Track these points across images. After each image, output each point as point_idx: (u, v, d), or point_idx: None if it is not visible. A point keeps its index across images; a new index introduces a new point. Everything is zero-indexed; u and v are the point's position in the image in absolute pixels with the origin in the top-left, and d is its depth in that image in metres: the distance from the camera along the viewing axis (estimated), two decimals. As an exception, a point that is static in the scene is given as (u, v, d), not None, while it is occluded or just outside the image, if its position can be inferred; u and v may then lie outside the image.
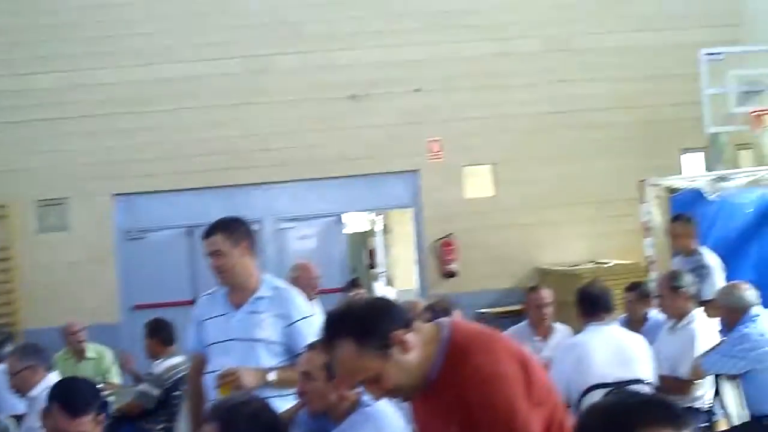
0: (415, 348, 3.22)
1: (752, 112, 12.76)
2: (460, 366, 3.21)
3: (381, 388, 3.23)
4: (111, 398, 8.98)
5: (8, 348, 8.34)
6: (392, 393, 3.31)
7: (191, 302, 14.68)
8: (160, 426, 8.29)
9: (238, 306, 5.26)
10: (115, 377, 9.64)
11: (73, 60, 15.24)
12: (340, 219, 16.15)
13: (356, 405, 4.45)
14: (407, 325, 3.24)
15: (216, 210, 14.35)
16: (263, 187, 15.58)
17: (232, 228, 5.27)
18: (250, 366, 5.07)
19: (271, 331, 5.18)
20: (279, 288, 5.35)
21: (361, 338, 3.16)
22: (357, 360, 3.17)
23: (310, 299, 8.37)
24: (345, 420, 4.41)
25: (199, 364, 5.45)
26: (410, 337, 3.22)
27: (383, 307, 3.31)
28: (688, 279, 7.19)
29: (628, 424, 2.27)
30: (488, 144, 15.72)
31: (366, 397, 4.49)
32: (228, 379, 4.96)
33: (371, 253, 22.80)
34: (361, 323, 3.19)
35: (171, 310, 12.46)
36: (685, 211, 10.51)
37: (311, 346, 4.62)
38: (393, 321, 3.21)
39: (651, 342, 7.15)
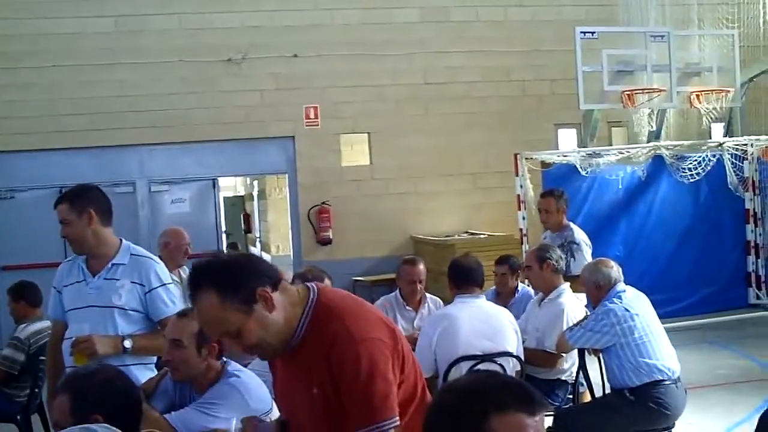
0: (279, 307, 3.19)
1: (625, 91, 13.02)
2: (326, 327, 3.20)
3: (242, 343, 3.18)
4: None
5: None
6: (253, 350, 3.24)
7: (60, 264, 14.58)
8: (25, 392, 8.12)
9: (95, 273, 5.19)
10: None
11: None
12: (214, 183, 16.00)
13: (221, 375, 4.42)
14: (274, 284, 3.19)
15: (88, 170, 14.22)
16: (136, 149, 15.35)
17: (79, 197, 5.17)
18: (105, 333, 5.01)
19: (128, 297, 5.12)
20: (137, 255, 5.26)
21: (224, 290, 3.10)
22: (219, 312, 3.11)
23: (181, 265, 8.29)
24: (209, 390, 4.37)
25: (59, 331, 5.36)
26: (276, 296, 3.18)
27: (250, 262, 3.26)
28: (556, 253, 7.31)
29: (483, 407, 2.25)
30: (365, 113, 15.78)
31: (231, 368, 4.46)
32: (81, 346, 4.92)
33: (247, 218, 22.69)
34: (226, 275, 3.13)
35: (41, 271, 12.22)
36: (559, 185, 10.69)
37: (181, 314, 4.60)
38: (259, 277, 3.16)
39: (521, 314, 7.27)
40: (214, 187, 15.99)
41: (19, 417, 8.18)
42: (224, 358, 4.55)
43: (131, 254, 5.21)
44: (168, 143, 15.36)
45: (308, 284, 3.37)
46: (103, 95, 15.06)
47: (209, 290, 3.10)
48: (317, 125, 15.69)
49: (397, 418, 3.18)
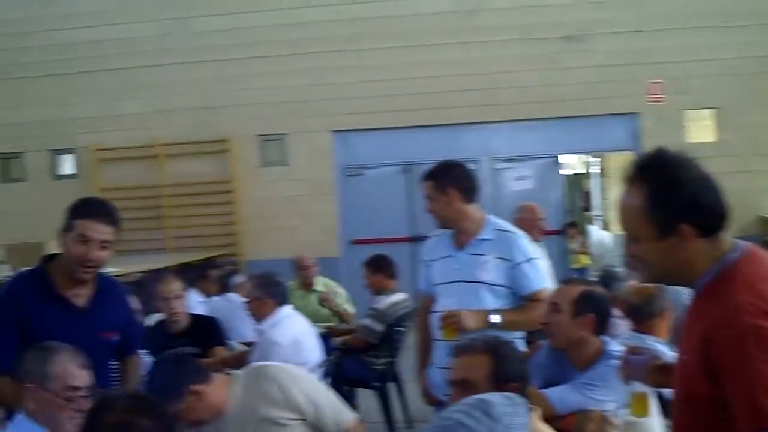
0: (690, 252, 2.88)
1: None
2: (719, 299, 2.83)
3: (632, 251, 2.98)
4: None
5: (238, 278, 8.65)
6: (637, 262, 3.01)
7: (408, 239, 15.10)
8: (383, 360, 8.43)
9: (461, 247, 5.26)
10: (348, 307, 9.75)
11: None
12: (557, 160, 15.99)
13: (601, 354, 4.38)
14: (707, 229, 2.88)
15: (433, 148, 14.55)
16: (480, 127, 15.56)
17: (442, 175, 5.23)
18: (473, 307, 5.06)
19: (495, 273, 5.14)
20: (502, 230, 5.29)
21: (653, 200, 2.86)
22: (633, 212, 2.90)
23: (535, 241, 8.30)
24: (589, 368, 4.34)
25: (428, 304, 5.49)
26: (698, 242, 2.87)
27: (703, 188, 2.91)
28: None
29: None
30: (711, 87, 15.19)
31: (611, 348, 4.39)
32: (450, 320, 4.98)
33: (586, 196, 22.47)
34: (668, 189, 2.86)
35: (388, 246, 12.63)
36: None
37: (566, 280, 4.69)
38: (695, 213, 2.86)
39: None
40: (556, 164, 16.01)
41: (377, 384, 8.51)
42: (603, 337, 4.50)
43: (496, 229, 5.25)
44: (511, 121, 15.47)
45: (740, 242, 2.96)
46: (445, 74, 15.34)
47: (641, 189, 2.89)
48: (662, 101, 15.28)
49: None
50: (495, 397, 2.50)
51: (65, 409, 3.48)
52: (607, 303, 4.56)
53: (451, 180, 5.23)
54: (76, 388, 3.58)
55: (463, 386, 3.51)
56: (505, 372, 3.41)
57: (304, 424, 4.22)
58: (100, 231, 4.39)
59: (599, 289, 4.68)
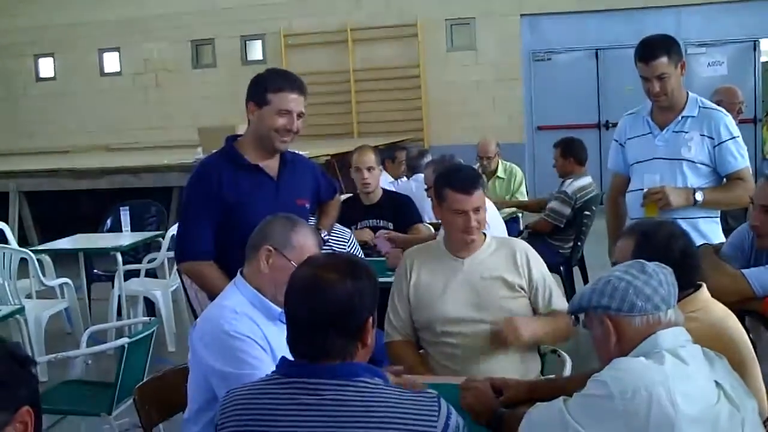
0: None
1: None
2: None
3: None
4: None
5: (426, 159, 8.67)
6: None
7: (595, 125, 14.88)
8: (569, 245, 8.39)
9: (663, 125, 5.12)
10: (523, 195, 9.78)
11: None
12: (755, 45, 15.32)
13: None
14: None
15: (624, 33, 14.28)
16: (673, 10, 15.09)
17: (674, 48, 5.01)
18: (675, 185, 4.98)
19: (697, 150, 5.02)
20: (706, 108, 5.13)
21: None
22: None
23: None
24: None
25: (619, 184, 5.42)
26: None
27: None
28: None
29: None
30: None
31: None
32: (654, 197, 4.91)
33: (783, 84, 21.53)
34: None
35: (575, 131, 12.46)
36: None
37: None
38: None
39: None
40: (754, 49, 15.34)
41: (562, 268, 8.47)
42: None
43: (700, 107, 5.09)
44: (706, 3, 14.95)
45: None
46: (639, -46, 14.97)
47: None
48: None
49: None
50: (649, 262, 2.81)
51: None
52: None
53: (680, 52, 5.06)
54: None
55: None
56: (647, 254, 3.40)
57: (525, 298, 4.25)
58: (298, 102, 4.42)
59: None
